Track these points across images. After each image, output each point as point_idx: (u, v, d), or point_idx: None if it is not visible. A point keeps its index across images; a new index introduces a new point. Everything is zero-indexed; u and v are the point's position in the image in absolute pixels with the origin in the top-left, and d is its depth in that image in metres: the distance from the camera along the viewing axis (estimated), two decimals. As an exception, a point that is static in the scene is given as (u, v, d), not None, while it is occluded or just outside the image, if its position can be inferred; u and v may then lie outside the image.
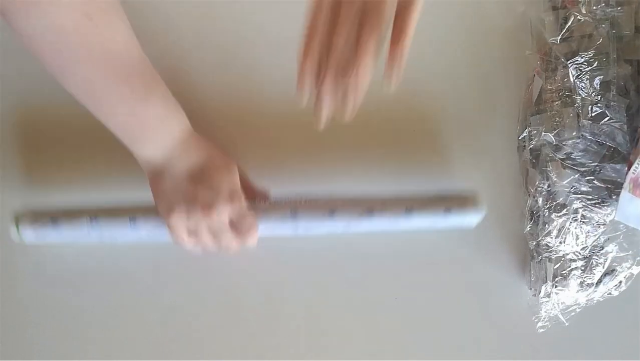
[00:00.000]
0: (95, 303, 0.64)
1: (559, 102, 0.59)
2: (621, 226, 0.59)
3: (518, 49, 0.66)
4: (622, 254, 0.60)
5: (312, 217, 0.56)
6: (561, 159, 0.59)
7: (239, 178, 0.56)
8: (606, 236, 0.59)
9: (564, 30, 0.60)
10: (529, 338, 0.66)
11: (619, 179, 0.57)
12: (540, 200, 0.61)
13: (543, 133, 0.60)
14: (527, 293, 0.66)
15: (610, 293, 0.63)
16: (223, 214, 0.52)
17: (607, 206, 0.58)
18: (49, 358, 0.63)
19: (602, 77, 0.58)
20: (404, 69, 0.43)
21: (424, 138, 0.66)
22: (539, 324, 0.64)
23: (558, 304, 0.63)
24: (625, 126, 0.57)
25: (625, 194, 0.54)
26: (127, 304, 0.64)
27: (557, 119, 0.59)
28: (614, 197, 0.57)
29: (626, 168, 0.56)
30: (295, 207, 0.56)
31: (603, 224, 0.59)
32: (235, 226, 0.54)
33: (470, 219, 0.60)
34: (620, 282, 0.62)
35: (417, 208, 0.57)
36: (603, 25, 0.58)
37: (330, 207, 0.56)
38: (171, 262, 0.64)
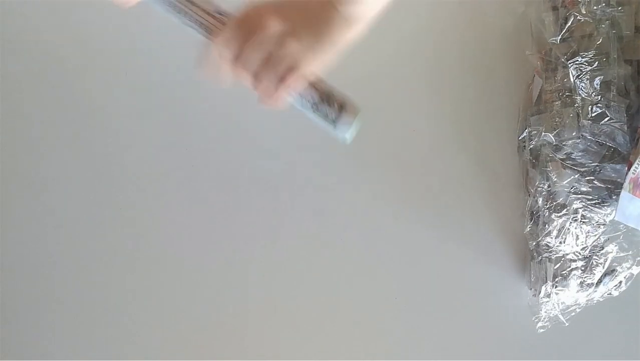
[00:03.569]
0: (94, 303, 0.64)
1: (559, 102, 0.59)
2: (621, 226, 0.59)
3: (518, 49, 0.66)
4: (622, 254, 0.60)
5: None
6: (561, 159, 0.59)
7: None
8: (606, 236, 0.59)
9: (564, 31, 0.59)
10: (529, 338, 0.66)
11: (619, 179, 0.57)
12: (540, 200, 0.61)
13: (543, 133, 0.60)
14: (527, 293, 0.66)
15: (610, 293, 0.63)
16: None
17: (607, 206, 0.58)
18: (50, 358, 0.63)
19: (602, 77, 0.58)
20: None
21: (424, 138, 0.66)
22: (539, 324, 0.64)
23: (558, 304, 0.63)
24: (625, 126, 0.57)
25: (625, 194, 0.54)
26: (127, 304, 0.64)
27: (557, 119, 0.59)
28: (614, 197, 0.57)
29: (626, 168, 0.55)
30: None
31: (603, 224, 0.59)
32: None
33: (339, 129, 0.53)
34: (620, 282, 0.62)
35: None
36: (603, 26, 0.58)
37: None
38: (171, 262, 0.64)
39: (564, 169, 0.59)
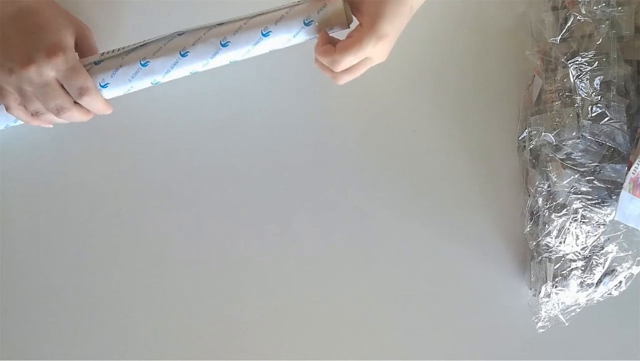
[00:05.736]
0: (93, 302, 0.64)
1: (559, 102, 0.59)
2: (621, 226, 0.59)
3: (518, 49, 0.66)
4: (622, 254, 0.60)
5: (163, 58, 0.50)
6: (561, 159, 0.59)
7: (71, 37, 0.48)
8: (606, 236, 0.59)
9: (564, 30, 0.60)
10: (529, 338, 0.66)
11: (618, 179, 0.57)
12: (540, 200, 0.62)
13: (543, 133, 0.60)
14: (527, 293, 0.66)
15: (610, 293, 0.63)
16: (43, 68, 0.44)
17: (607, 206, 0.58)
18: (49, 358, 0.63)
19: (602, 77, 0.58)
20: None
21: (424, 138, 0.66)
22: (539, 324, 0.64)
23: (558, 304, 0.63)
24: (625, 126, 0.57)
25: (625, 194, 0.54)
26: (127, 303, 0.64)
27: (557, 119, 0.59)
28: (614, 197, 0.57)
29: (626, 168, 0.56)
30: (142, 52, 0.50)
31: (603, 224, 0.59)
32: (65, 85, 0.46)
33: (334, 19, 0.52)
34: (620, 282, 0.62)
35: (274, 28, 0.51)
36: (603, 26, 0.58)
37: (182, 46, 0.50)
38: (171, 262, 0.64)
39: (564, 169, 0.59)
